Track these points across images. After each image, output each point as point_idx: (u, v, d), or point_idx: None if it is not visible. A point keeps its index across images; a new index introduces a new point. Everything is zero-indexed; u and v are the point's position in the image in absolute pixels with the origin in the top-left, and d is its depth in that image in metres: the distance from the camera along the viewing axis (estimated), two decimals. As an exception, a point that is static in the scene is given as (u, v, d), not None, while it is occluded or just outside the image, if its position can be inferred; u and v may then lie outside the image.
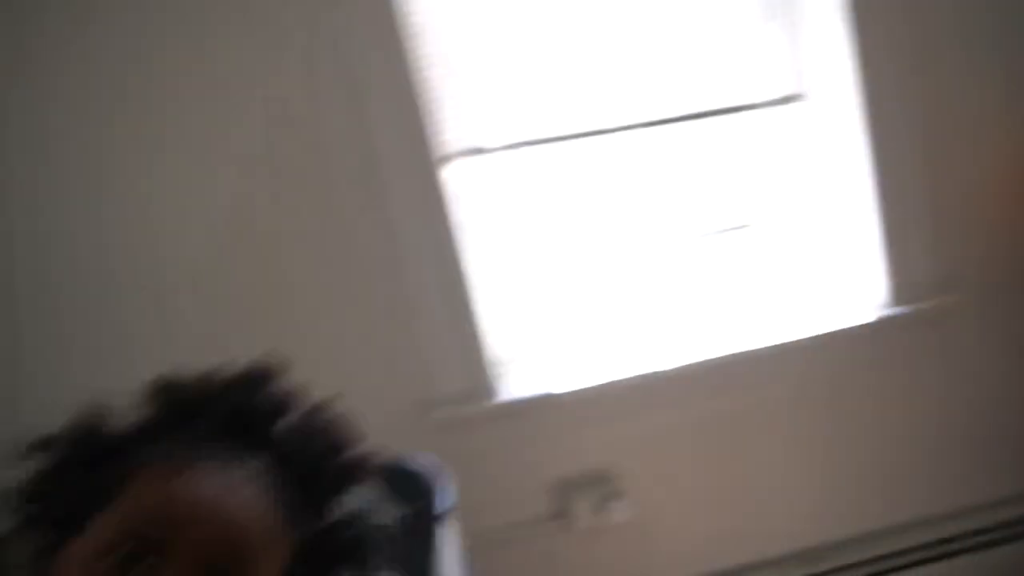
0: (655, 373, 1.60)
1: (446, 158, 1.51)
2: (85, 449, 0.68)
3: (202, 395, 0.70)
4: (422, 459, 1.14)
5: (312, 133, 1.49)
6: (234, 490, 0.64)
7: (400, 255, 1.53)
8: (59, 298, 1.46)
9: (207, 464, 0.65)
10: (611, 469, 1.66)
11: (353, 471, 0.73)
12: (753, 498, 1.74)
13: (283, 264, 1.52)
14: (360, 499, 0.76)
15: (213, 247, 1.50)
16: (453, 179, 1.54)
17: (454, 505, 1.12)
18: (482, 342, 1.56)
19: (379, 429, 0.74)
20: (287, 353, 0.72)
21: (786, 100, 1.70)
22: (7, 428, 0.68)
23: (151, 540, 0.60)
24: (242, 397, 0.70)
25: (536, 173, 1.63)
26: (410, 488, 1.09)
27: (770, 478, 1.73)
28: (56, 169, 1.44)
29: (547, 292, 1.72)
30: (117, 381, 0.66)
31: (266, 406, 0.71)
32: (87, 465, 0.67)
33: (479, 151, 1.55)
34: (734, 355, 1.64)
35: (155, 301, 1.48)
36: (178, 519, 0.61)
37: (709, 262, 1.76)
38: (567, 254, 1.71)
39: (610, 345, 1.73)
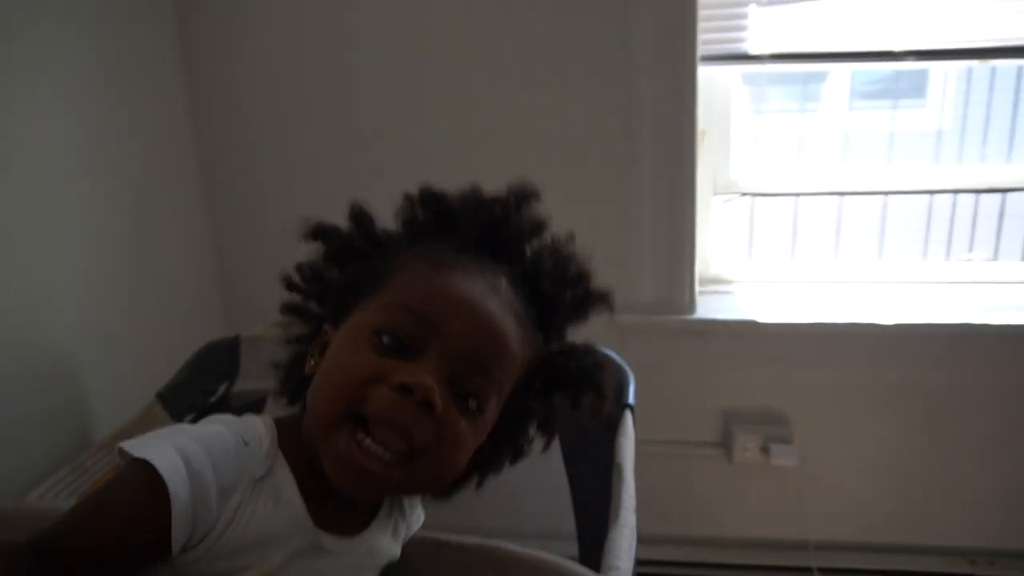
0: (861, 325, 1.52)
1: (703, 59, 1.44)
2: (356, 240, 0.71)
3: (465, 206, 0.72)
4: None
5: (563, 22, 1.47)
6: (491, 293, 0.66)
7: (634, 154, 1.49)
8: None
9: (467, 267, 0.67)
10: (787, 412, 1.63)
11: (593, 300, 0.74)
12: (923, 483, 1.66)
13: (518, 146, 1.52)
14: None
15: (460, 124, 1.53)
16: (706, 84, 1.48)
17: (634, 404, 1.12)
18: (692, 256, 1.53)
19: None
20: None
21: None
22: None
23: (413, 327, 0.62)
24: (501, 212, 0.71)
25: (801, 91, 1.52)
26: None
27: (947, 467, 1.64)
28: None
29: (777, 220, 1.64)
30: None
31: (523, 224, 0.72)
32: (357, 255, 0.71)
33: (740, 58, 1.47)
34: (945, 326, 1.52)
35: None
36: (439, 311, 0.63)
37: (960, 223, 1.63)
38: (811, 186, 1.63)
39: (826, 288, 1.66)
